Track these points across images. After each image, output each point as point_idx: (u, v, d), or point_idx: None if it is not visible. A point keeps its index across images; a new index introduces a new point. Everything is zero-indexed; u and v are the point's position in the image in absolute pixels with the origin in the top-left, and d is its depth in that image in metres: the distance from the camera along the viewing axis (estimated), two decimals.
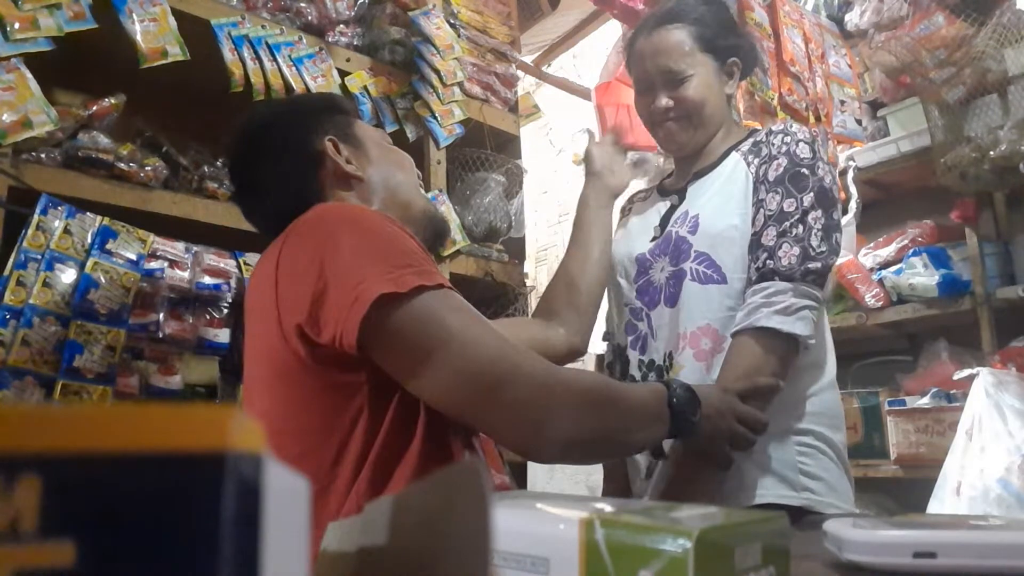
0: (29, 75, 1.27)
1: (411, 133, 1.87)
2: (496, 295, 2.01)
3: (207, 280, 1.42)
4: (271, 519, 0.17)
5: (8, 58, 1.26)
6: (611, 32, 3.59)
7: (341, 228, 0.82)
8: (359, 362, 0.79)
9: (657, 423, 0.88)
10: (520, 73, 2.37)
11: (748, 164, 1.20)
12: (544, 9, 2.85)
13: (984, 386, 1.88)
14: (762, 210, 1.14)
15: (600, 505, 0.40)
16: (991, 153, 2.00)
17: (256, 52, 1.58)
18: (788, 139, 1.17)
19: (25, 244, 1.25)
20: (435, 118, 1.90)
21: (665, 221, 1.27)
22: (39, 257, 1.26)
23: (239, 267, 1.46)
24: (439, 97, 1.90)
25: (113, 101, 1.43)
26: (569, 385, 0.79)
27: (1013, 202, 2.30)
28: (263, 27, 1.63)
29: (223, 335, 1.43)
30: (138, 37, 1.39)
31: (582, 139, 1.28)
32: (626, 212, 1.43)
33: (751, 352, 1.07)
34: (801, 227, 1.11)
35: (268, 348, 0.84)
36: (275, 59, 1.61)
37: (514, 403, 0.76)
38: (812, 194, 1.12)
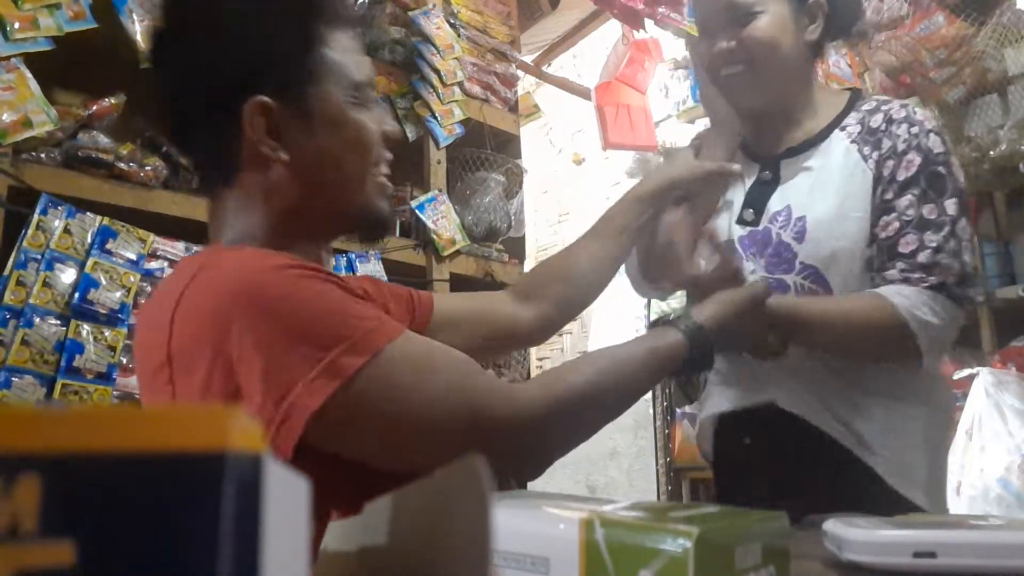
0: (29, 75, 1.27)
1: (411, 133, 1.87)
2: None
3: None
4: (271, 519, 0.17)
5: (8, 58, 1.26)
6: (611, 32, 3.59)
7: (242, 318, 0.63)
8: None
9: (662, 374, 0.84)
10: (520, 73, 2.37)
11: (864, 157, 1.02)
12: (544, 9, 2.85)
13: (984, 386, 1.88)
14: (894, 214, 0.98)
15: (600, 505, 0.40)
16: (991, 153, 2.00)
17: None
18: (916, 130, 1.00)
19: (25, 244, 1.25)
20: (435, 118, 1.90)
21: (758, 201, 1.08)
22: (39, 257, 1.26)
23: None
24: (439, 97, 1.90)
25: (113, 101, 1.43)
26: (544, 404, 0.71)
27: (1013, 202, 2.30)
28: None
29: None
30: (138, 37, 1.39)
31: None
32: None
33: (873, 306, 0.95)
34: (953, 241, 0.96)
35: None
36: None
37: (496, 446, 0.67)
38: (955, 200, 0.98)
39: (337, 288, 0.68)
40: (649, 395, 3.33)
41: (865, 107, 1.06)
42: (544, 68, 3.72)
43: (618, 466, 3.60)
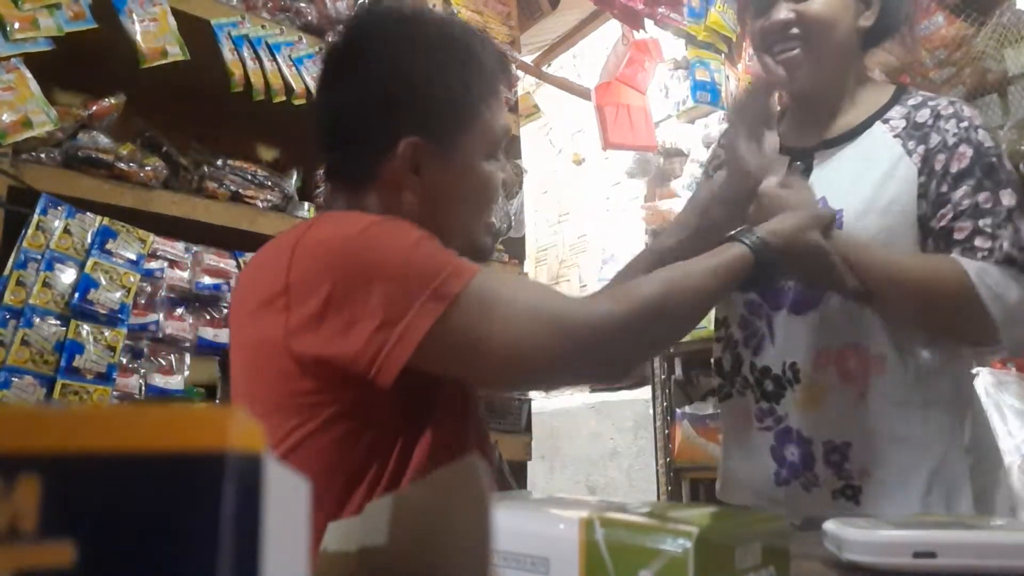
0: (29, 75, 1.27)
1: None
2: None
3: (207, 280, 1.42)
4: (271, 519, 0.17)
5: (8, 58, 1.26)
6: (611, 32, 3.59)
7: (358, 255, 0.74)
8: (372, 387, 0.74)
9: (729, 286, 0.87)
10: (520, 73, 2.37)
11: (908, 152, 1.00)
12: (544, 9, 2.85)
13: (984, 386, 1.88)
14: (949, 205, 0.96)
15: (600, 505, 0.40)
16: None
17: (256, 52, 1.58)
18: (965, 124, 0.99)
19: (25, 244, 1.25)
20: None
21: None
22: (39, 257, 1.26)
23: (239, 267, 1.47)
24: None
25: (113, 101, 1.43)
26: (621, 312, 0.78)
27: None
28: (263, 27, 1.63)
29: (223, 335, 1.43)
30: (138, 37, 1.39)
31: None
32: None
33: (943, 265, 0.94)
34: (1011, 226, 0.94)
35: (260, 352, 0.80)
36: (275, 59, 1.61)
37: (578, 353, 0.76)
38: (1010, 191, 0.96)
39: (428, 234, 0.78)
40: (649, 395, 3.33)
41: (911, 102, 1.04)
42: (544, 68, 3.72)
43: (618, 466, 3.60)
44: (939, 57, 2.15)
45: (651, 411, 3.23)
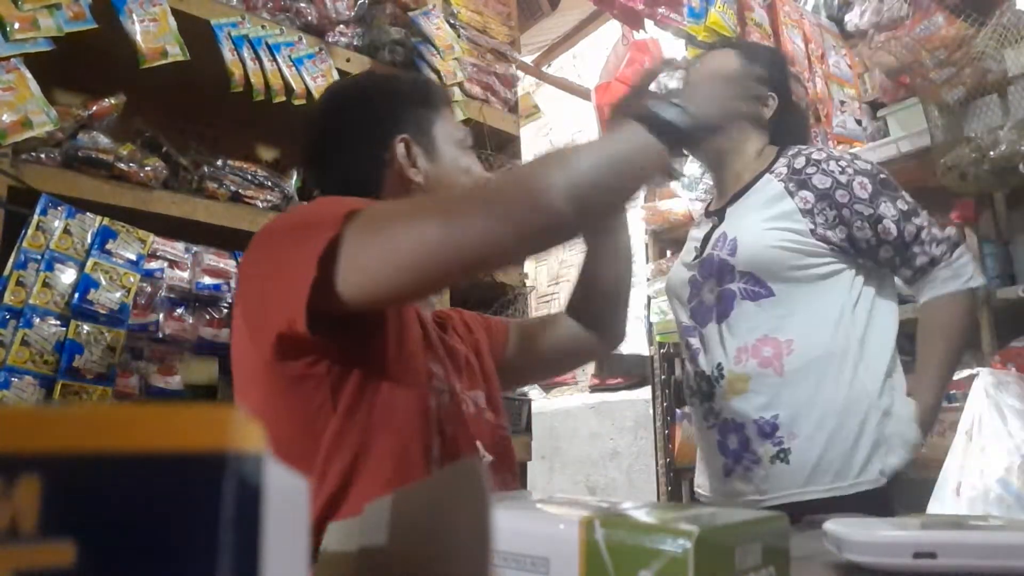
0: (29, 75, 1.27)
1: None
2: (496, 295, 2.01)
3: (207, 280, 1.42)
4: (271, 519, 0.17)
5: (8, 58, 1.26)
6: (611, 32, 3.59)
7: (281, 230, 0.84)
8: (315, 348, 0.79)
9: (648, 149, 0.79)
10: (520, 73, 2.37)
11: (789, 192, 1.29)
12: (544, 9, 2.85)
13: (984, 386, 1.88)
14: (885, 219, 1.25)
15: (600, 505, 0.40)
16: (991, 153, 2.00)
17: (256, 52, 1.58)
18: (844, 162, 1.29)
19: (25, 244, 1.25)
20: None
21: (705, 242, 1.37)
22: (39, 257, 1.26)
23: (239, 267, 1.47)
24: None
25: (113, 101, 1.43)
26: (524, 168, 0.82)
27: (1013, 202, 2.30)
28: (263, 27, 1.63)
29: (223, 335, 1.43)
30: (138, 37, 1.39)
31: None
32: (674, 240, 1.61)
33: (954, 311, 1.29)
34: (924, 215, 1.27)
35: (239, 349, 0.87)
36: (275, 59, 1.61)
37: (497, 201, 0.75)
38: (902, 192, 1.28)
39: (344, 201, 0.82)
40: (649, 395, 3.33)
41: (790, 153, 1.34)
42: (544, 68, 3.72)
43: (618, 466, 3.60)
44: (939, 57, 2.15)
45: (651, 411, 3.23)
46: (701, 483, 1.39)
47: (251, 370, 0.84)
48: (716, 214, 1.40)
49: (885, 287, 1.34)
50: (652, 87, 1.04)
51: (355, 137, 0.99)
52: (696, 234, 1.44)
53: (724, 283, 1.30)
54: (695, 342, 1.35)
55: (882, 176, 1.29)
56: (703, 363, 1.33)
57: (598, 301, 1.14)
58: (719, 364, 1.30)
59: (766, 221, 1.28)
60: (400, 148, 0.97)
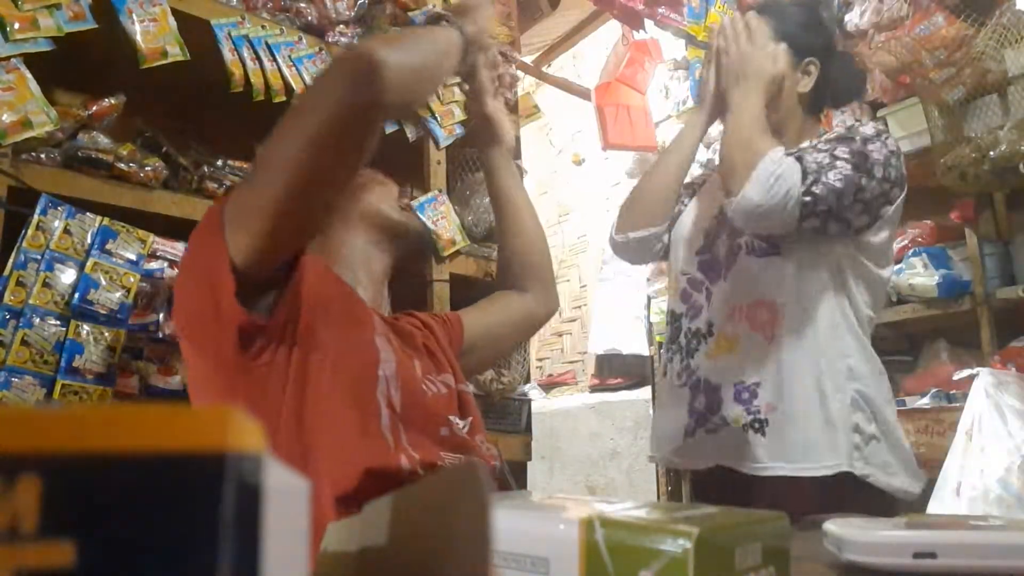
0: (29, 75, 1.27)
1: (411, 133, 1.87)
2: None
3: None
4: (271, 519, 0.17)
5: (8, 58, 1.26)
6: (611, 32, 3.60)
7: (186, 254, 0.93)
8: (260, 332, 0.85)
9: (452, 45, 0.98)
10: (520, 73, 2.37)
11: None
12: (544, 9, 2.85)
13: (984, 386, 1.88)
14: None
15: (600, 505, 0.40)
16: (991, 153, 2.00)
17: (256, 52, 1.58)
18: (857, 123, 1.24)
19: (25, 244, 1.25)
20: (435, 118, 1.90)
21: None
22: (39, 257, 1.26)
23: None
24: (439, 97, 1.90)
25: (113, 101, 1.43)
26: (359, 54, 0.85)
27: (1013, 202, 2.30)
28: (263, 27, 1.63)
29: None
30: (138, 37, 1.39)
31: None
32: (696, 186, 1.45)
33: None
34: (823, 155, 1.15)
35: (194, 372, 0.93)
36: (275, 59, 1.61)
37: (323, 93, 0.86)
38: (847, 147, 1.17)
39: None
40: (649, 396, 3.33)
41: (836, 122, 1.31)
42: (544, 68, 3.72)
43: (618, 466, 3.60)
44: (939, 57, 2.15)
45: (651, 411, 3.23)
46: (653, 445, 1.34)
47: (204, 380, 0.90)
48: None
49: (867, 280, 1.25)
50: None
51: None
52: (715, 193, 1.35)
53: (735, 236, 1.24)
54: (698, 296, 1.29)
55: (855, 137, 1.19)
56: (701, 320, 1.27)
57: (518, 268, 1.25)
58: (709, 321, 1.25)
59: None
60: None
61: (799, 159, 1.15)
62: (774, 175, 1.11)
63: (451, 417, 0.97)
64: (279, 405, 0.85)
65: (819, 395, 1.16)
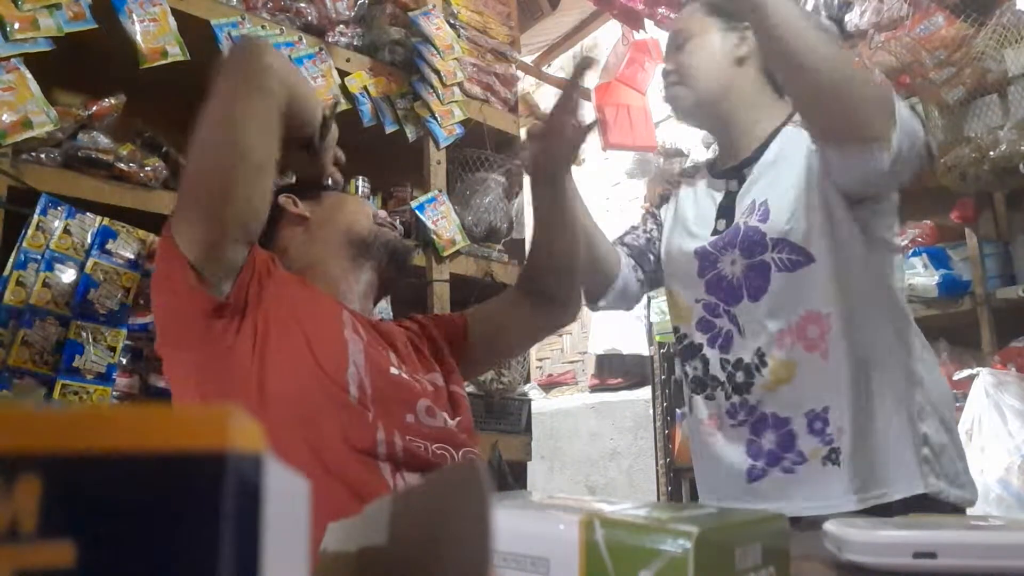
0: (29, 75, 1.27)
1: (411, 133, 1.87)
2: (495, 296, 2.00)
3: None
4: (271, 519, 0.17)
5: (8, 58, 1.26)
6: (611, 32, 3.60)
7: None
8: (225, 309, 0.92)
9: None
10: (520, 73, 2.37)
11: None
12: (544, 9, 2.85)
13: (984, 386, 1.88)
14: None
15: (600, 505, 0.40)
16: (991, 153, 2.00)
17: None
18: None
19: (25, 244, 1.25)
20: (435, 118, 1.90)
21: (728, 211, 1.19)
22: (39, 257, 1.26)
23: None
24: (439, 97, 1.90)
25: (113, 101, 1.43)
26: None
27: (1013, 202, 2.30)
28: (263, 27, 1.63)
29: None
30: (138, 37, 1.39)
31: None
32: (668, 198, 1.36)
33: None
34: None
35: (171, 376, 1.00)
36: None
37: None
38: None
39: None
40: (649, 396, 3.33)
41: None
42: (544, 68, 3.72)
43: (618, 467, 3.60)
44: (939, 57, 2.14)
45: (651, 411, 3.23)
46: (705, 495, 1.20)
47: (183, 379, 0.96)
48: (733, 176, 1.22)
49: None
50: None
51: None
52: (703, 199, 1.25)
53: (755, 255, 1.12)
54: (722, 322, 1.16)
55: None
56: (740, 347, 1.13)
57: (553, 273, 1.20)
58: (758, 349, 1.11)
59: (803, 179, 1.10)
60: (288, 203, 1.13)
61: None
62: (911, 116, 0.99)
63: (425, 405, 0.98)
64: (249, 375, 0.90)
65: (883, 411, 1.05)
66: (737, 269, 1.14)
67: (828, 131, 1.05)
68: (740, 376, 1.13)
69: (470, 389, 1.79)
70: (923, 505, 1.00)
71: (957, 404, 2.04)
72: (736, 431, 1.13)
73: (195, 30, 1.49)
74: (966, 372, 1.97)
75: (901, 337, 1.11)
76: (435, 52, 1.90)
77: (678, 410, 3.05)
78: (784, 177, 1.12)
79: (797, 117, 1.16)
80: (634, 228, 1.40)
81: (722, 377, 1.15)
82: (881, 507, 1.00)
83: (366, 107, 1.77)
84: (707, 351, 1.18)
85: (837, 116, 1.01)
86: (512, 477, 1.85)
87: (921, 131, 1.01)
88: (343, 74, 1.75)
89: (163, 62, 1.41)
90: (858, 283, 1.09)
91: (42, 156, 1.32)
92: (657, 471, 3.14)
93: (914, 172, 1.03)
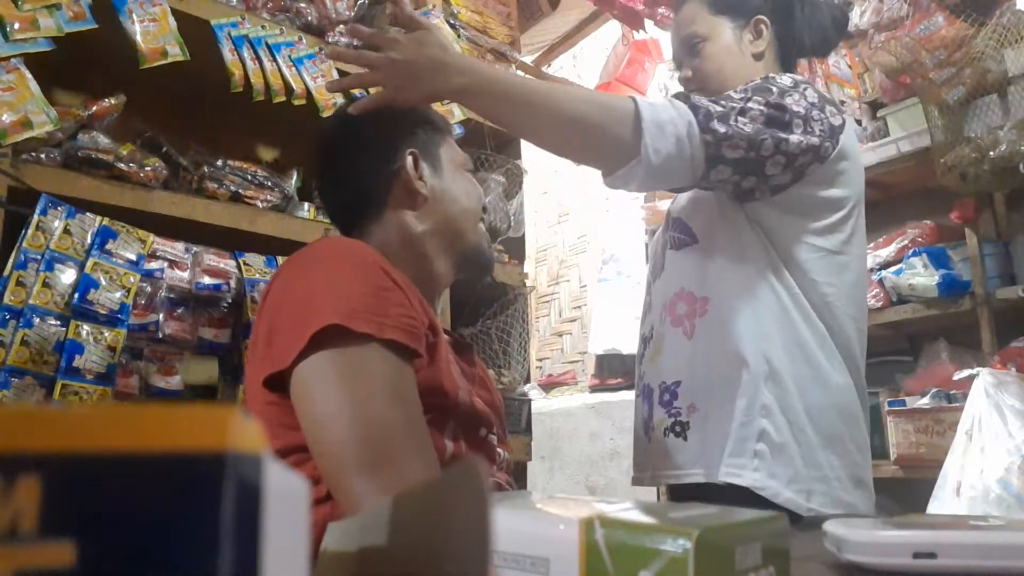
0: (29, 75, 1.27)
1: None
2: (496, 295, 2.01)
3: (207, 280, 1.42)
4: (271, 519, 0.17)
5: (8, 58, 1.26)
6: (611, 32, 3.59)
7: (318, 265, 0.85)
8: None
9: None
10: (520, 73, 2.37)
11: None
12: (544, 9, 2.85)
13: (984, 386, 1.88)
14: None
15: (600, 505, 0.40)
16: (991, 153, 2.00)
17: (256, 52, 1.58)
18: (773, 76, 1.10)
19: (25, 244, 1.25)
20: None
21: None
22: (39, 257, 1.25)
23: (239, 267, 1.46)
24: None
25: (113, 101, 1.43)
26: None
27: (1013, 202, 2.30)
28: (263, 27, 1.63)
29: (223, 335, 1.43)
30: (138, 37, 1.39)
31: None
32: None
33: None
34: (734, 102, 1.02)
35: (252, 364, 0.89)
36: (275, 59, 1.61)
37: (355, 494, 0.73)
38: (763, 96, 1.03)
39: (401, 298, 0.84)
40: None
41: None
42: (544, 69, 3.72)
43: (618, 466, 3.59)
44: (939, 57, 2.15)
45: None
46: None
47: (257, 384, 0.86)
48: None
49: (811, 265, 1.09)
50: None
51: (366, 148, 1.03)
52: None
53: (664, 234, 1.21)
54: (647, 299, 1.26)
55: (771, 86, 1.05)
56: (646, 322, 1.22)
57: None
58: (652, 324, 1.19)
59: None
60: (409, 160, 1.00)
61: (685, 98, 1.02)
62: (666, 119, 0.98)
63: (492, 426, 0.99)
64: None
65: (732, 396, 1.05)
66: (659, 248, 1.24)
67: (587, 164, 1.11)
68: (641, 348, 1.23)
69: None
70: (755, 500, 0.99)
71: (956, 404, 2.04)
72: (637, 401, 1.22)
73: (195, 30, 1.49)
74: (966, 372, 1.97)
75: (796, 340, 1.06)
76: None
77: None
78: None
79: None
80: None
81: (639, 351, 1.25)
82: (731, 488, 1.02)
83: None
84: (640, 328, 1.27)
85: (590, 155, 1.08)
86: (512, 477, 1.85)
87: (686, 111, 0.99)
88: (343, 74, 1.74)
89: (163, 62, 1.41)
90: (744, 277, 1.08)
91: (42, 156, 1.32)
92: None
93: (732, 144, 0.99)
